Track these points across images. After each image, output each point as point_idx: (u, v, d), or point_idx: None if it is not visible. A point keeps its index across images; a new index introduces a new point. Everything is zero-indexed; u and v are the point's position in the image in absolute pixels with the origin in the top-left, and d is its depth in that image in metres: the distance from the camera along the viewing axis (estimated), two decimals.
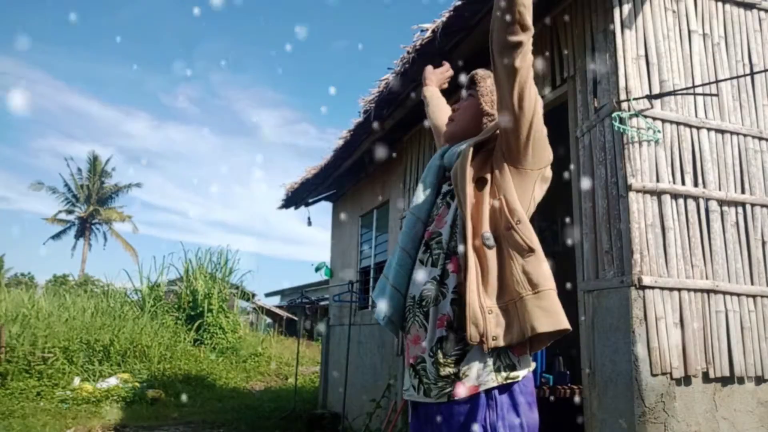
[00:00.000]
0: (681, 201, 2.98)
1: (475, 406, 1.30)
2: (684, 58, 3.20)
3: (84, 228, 34.62)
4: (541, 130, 1.43)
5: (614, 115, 2.92)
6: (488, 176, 1.43)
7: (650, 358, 2.70)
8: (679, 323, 2.82)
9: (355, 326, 6.96)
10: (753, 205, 3.16)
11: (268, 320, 25.07)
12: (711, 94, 3.18)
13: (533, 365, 1.42)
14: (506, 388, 1.33)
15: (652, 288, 2.79)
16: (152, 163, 71.62)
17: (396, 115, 5.15)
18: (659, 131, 2.98)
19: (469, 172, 1.41)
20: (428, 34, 3.70)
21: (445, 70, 2.08)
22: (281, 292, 27.00)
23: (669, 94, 3.05)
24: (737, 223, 3.10)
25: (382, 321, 1.51)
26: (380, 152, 6.31)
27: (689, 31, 3.24)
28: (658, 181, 2.94)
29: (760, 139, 3.28)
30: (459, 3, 3.39)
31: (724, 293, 2.96)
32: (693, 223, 2.98)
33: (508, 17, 1.29)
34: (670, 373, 2.73)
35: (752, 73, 3.33)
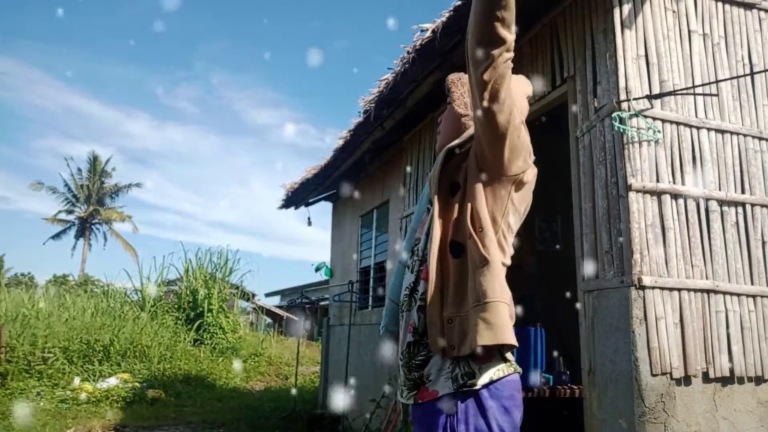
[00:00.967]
0: (681, 201, 2.98)
1: (436, 409, 1.33)
2: (684, 58, 3.19)
3: (84, 228, 34.62)
4: (516, 140, 1.35)
5: (614, 115, 2.92)
6: (461, 181, 1.41)
7: (650, 358, 2.70)
8: (679, 323, 2.82)
9: (355, 326, 6.95)
10: (753, 205, 3.16)
11: (268, 320, 25.07)
12: (711, 94, 3.18)
13: (514, 368, 1.38)
14: (469, 394, 1.31)
15: (652, 288, 2.79)
16: (152, 163, 71.67)
17: (396, 115, 5.15)
18: (659, 131, 2.98)
19: (438, 178, 1.44)
20: (428, 34, 3.70)
21: None
22: (281, 292, 27.01)
23: (669, 94, 3.05)
24: (737, 223, 3.10)
25: (381, 330, 1.66)
26: (380, 152, 6.31)
27: (689, 31, 3.24)
28: (658, 181, 2.94)
29: (760, 139, 3.28)
30: (459, 3, 3.39)
31: (724, 293, 2.95)
32: (693, 223, 2.97)
33: (478, 31, 1.24)
34: (670, 373, 2.72)
35: (752, 73, 3.33)
